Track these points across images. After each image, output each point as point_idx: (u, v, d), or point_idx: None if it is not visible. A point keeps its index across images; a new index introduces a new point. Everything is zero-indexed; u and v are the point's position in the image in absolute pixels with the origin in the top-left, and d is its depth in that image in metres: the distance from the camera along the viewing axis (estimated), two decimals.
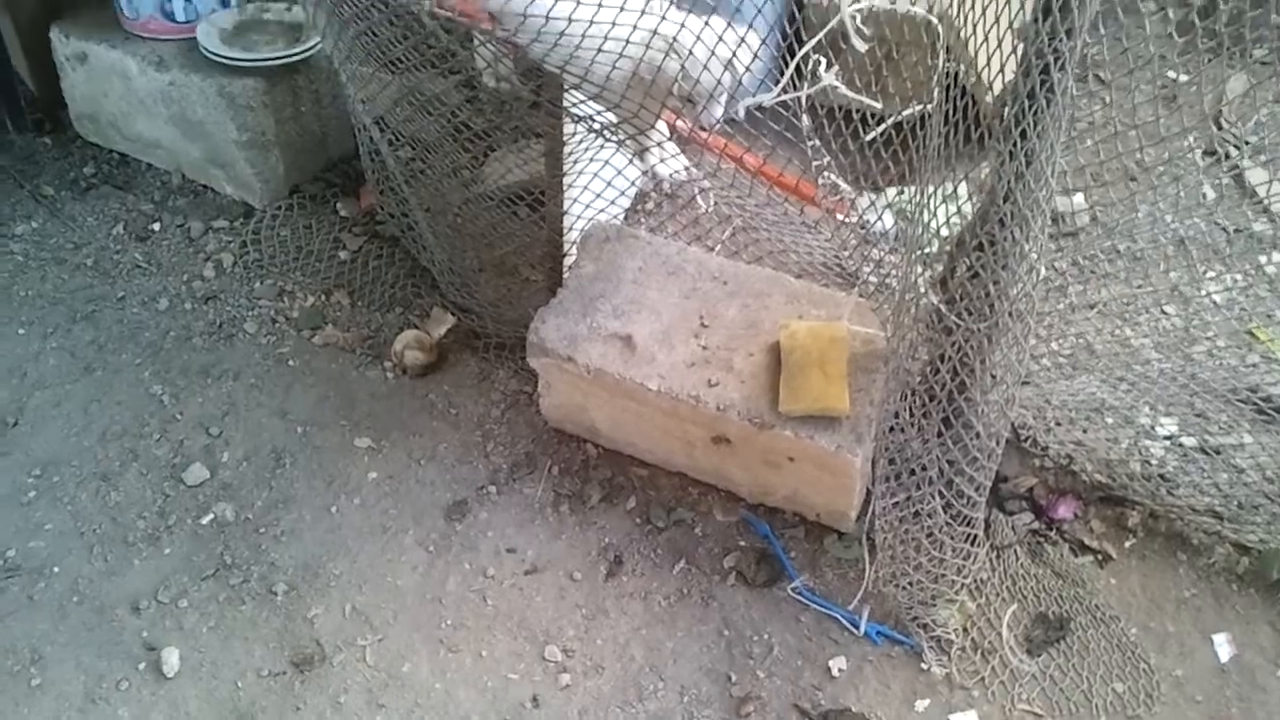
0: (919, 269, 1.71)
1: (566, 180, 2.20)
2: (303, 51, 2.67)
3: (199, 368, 2.43)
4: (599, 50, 1.77)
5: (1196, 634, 1.92)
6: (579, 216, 2.31)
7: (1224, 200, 2.54)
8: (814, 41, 1.79)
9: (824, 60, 1.76)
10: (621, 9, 1.75)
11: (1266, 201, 2.49)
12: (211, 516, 2.14)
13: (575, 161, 2.21)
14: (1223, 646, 1.90)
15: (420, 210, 2.47)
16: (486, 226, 2.46)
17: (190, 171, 2.88)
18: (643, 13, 1.80)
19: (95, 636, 1.96)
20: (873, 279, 2.19)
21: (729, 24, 1.83)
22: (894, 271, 2.28)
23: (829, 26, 1.78)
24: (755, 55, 1.86)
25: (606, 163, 2.28)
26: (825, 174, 1.98)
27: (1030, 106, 1.44)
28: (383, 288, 2.60)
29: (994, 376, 1.73)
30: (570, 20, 1.70)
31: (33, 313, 2.55)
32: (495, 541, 2.09)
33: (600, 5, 1.72)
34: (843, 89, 1.80)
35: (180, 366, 2.43)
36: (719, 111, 1.87)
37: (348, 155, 2.86)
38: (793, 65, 1.83)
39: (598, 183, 2.29)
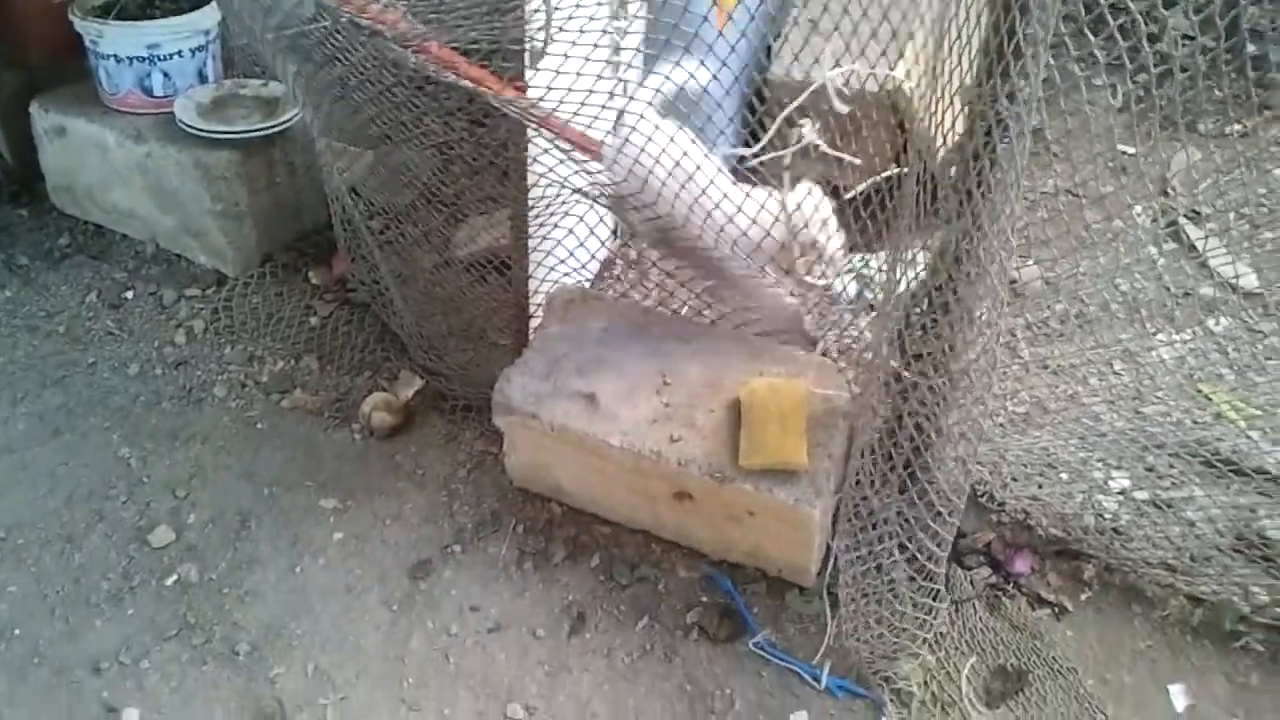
0: (882, 331, 1.76)
1: (532, 245, 2.26)
2: (278, 125, 2.74)
3: (167, 431, 2.44)
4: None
5: (1152, 685, 1.94)
6: (544, 280, 2.36)
7: (1169, 261, 2.62)
8: (796, 104, 1.88)
9: (804, 123, 1.85)
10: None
11: (1204, 257, 2.57)
12: (175, 577, 2.14)
13: (541, 225, 2.26)
14: (1178, 697, 1.91)
15: (391, 277, 2.52)
16: (455, 291, 2.50)
17: (164, 241, 2.92)
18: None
19: (55, 698, 1.94)
20: (835, 340, 2.24)
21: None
22: (857, 334, 2.34)
23: (810, 89, 1.86)
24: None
25: (570, 231, 2.34)
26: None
27: (975, 167, 1.50)
28: (352, 352, 2.63)
29: (954, 433, 1.77)
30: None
31: (2, 379, 2.56)
32: (459, 600, 2.10)
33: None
34: (824, 146, 1.88)
35: (149, 430, 2.44)
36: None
37: (320, 225, 2.92)
38: (774, 126, 1.92)
39: (562, 249, 2.34)
